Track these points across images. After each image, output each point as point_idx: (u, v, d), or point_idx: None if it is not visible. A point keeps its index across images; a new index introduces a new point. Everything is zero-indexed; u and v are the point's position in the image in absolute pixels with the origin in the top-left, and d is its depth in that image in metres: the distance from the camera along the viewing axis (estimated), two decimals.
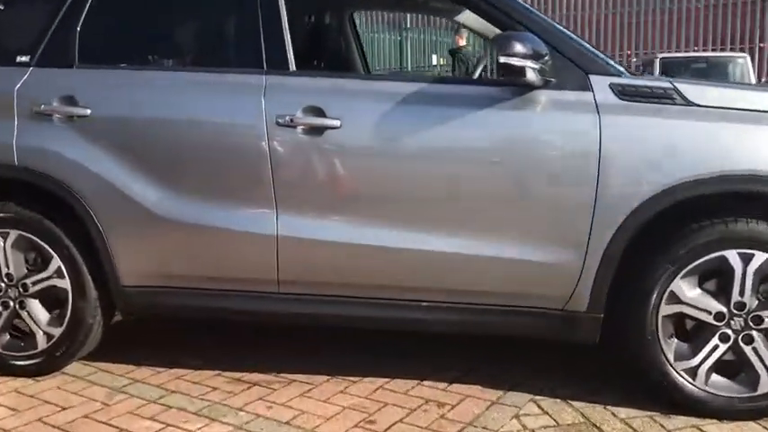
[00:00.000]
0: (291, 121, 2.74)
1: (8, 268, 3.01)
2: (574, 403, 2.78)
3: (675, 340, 2.65)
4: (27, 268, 3.04)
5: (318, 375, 3.05)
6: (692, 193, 2.51)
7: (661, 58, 11.89)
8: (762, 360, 2.57)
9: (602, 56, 2.73)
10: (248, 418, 2.69)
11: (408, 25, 17.98)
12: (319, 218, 2.79)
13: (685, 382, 2.63)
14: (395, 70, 18.04)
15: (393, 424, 2.63)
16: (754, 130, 2.53)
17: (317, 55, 3.75)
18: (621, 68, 2.73)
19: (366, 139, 2.74)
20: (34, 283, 3.01)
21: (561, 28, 2.81)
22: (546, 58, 2.55)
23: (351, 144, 2.75)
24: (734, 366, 2.62)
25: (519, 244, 2.67)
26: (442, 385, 2.96)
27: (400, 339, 3.26)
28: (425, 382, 2.98)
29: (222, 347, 3.38)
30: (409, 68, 18.19)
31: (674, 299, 2.60)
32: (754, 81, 11.60)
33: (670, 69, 11.23)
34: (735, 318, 2.58)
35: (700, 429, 2.56)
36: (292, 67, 2.84)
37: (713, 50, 14.69)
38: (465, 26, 3.73)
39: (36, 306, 3.04)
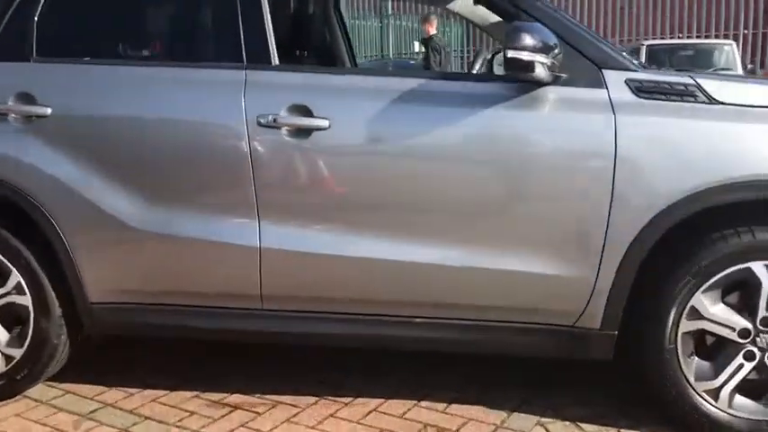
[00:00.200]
0: (275, 121, 2.48)
1: None
2: (584, 426, 2.56)
3: (696, 359, 2.44)
4: None
5: (306, 397, 2.81)
6: (717, 201, 2.29)
7: (648, 46, 11.71)
8: None
9: (616, 48, 2.49)
10: None
11: (390, 11, 17.67)
12: (306, 228, 2.53)
13: (707, 405, 2.42)
14: (376, 58, 17.75)
15: None
16: None
17: (302, 47, 3.47)
18: (636, 62, 2.49)
19: (358, 141, 2.49)
20: None
21: (569, 17, 2.56)
22: (556, 51, 2.30)
23: (341, 147, 2.49)
24: (760, 387, 2.41)
25: (526, 256, 2.43)
26: (441, 406, 2.72)
27: (392, 355, 3.02)
28: (422, 403, 2.75)
29: (199, 366, 3.11)
30: (391, 56, 17.90)
31: (695, 314, 2.38)
32: (740, 68, 11.46)
33: (657, 57, 11.06)
34: (761, 334, 2.37)
35: None
36: (275, 60, 2.58)
37: (698, 37, 14.56)
38: (459, 14, 3.47)
39: None
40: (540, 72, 2.28)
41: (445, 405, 2.73)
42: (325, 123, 2.45)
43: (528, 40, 2.23)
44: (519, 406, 2.70)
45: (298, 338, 2.70)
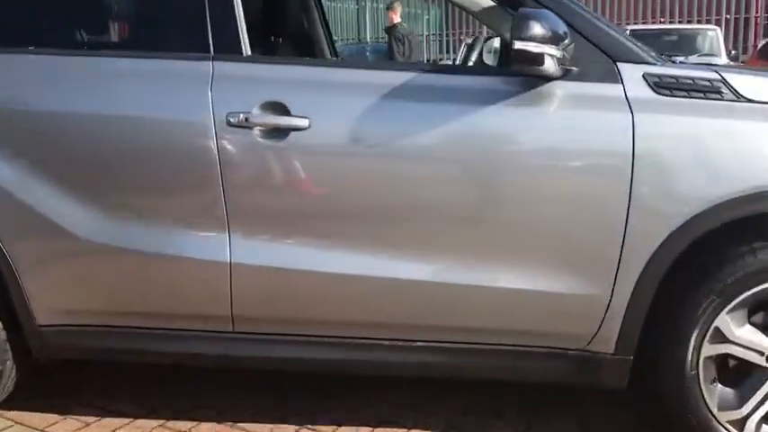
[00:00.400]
0: (246, 120, 2.17)
1: None
2: None
3: (719, 385, 2.19)
4: None
5: (284, 425, 2.52)
6: (746, 211, 2.04)
7: (631, 31, 11.47)
8: None
9: (631, 38, 2.21)
10: None
11: None
12: (282, 241, 2.24)
13: None
14: (353, 42, 17.36)
15: None
16: None
17: (277, 34, 3.15)
18: (654, 54, 2.22)
19: (341, 143, 2.19)
20: None
21: (577, 2, 2.28)
22: (567, 41, 2.03)
23: (322, 149, 2.20)
24: None
25: (530, 272, 2.17)
26: None
27: (379, 381, 2.72)
28: None
29: (164, 390, 2.78)
30: (368, 39, 17.52)
31: (719, 337, 2.13)
32: (724, 54, 11.29)
33: (640, 42, 10.81)
34: None
35: None
36: (246, 51, 2.27)
37: (680, 22, 14.37)
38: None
39: None
40: (550, 66, 2.00)
41: None
42: (304, 123, 2.16)
43: (537, 29, 1.95)
44: None
45: (274, 364, 2.41)
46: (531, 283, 2.17)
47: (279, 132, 2.17)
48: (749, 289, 2.09)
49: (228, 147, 2.19)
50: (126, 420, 2.57)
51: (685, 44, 11.22)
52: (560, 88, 2.11)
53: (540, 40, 1.95)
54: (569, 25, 2.06)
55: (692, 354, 2.14)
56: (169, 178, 2.26)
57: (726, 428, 2.18)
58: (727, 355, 2.17)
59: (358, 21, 18.53)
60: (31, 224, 2.29)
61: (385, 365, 2.32)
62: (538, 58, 1.96)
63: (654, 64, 2.14)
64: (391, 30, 10.19)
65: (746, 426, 2.17)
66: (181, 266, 2.27)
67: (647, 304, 2.13)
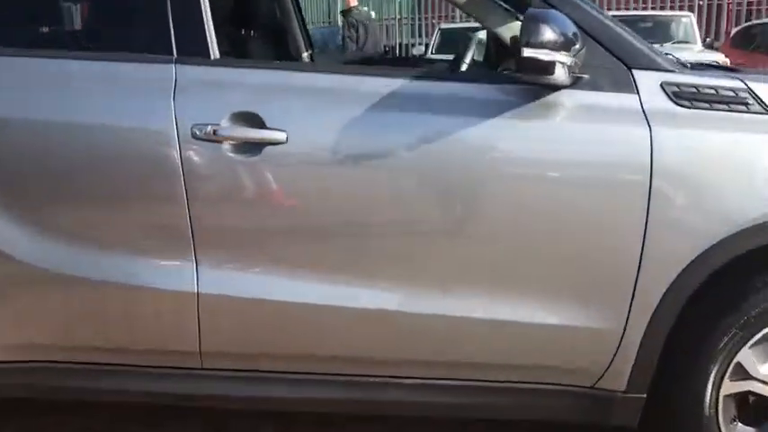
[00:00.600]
0: (215, 132, 1.91)
1: None
2: None
3: (739, 425, 2.01)
4: None
5: None
6: None
7: None
8: None
9: (646, 42, 1.99)
10: None
11: None
12: (257, 268, 2.00)
13: None
14: (324, 25, 16.97)
15: None
16: None
17: (248, 29, 2.87)
18: (670, 59, 2.00)
19: (323, 159, 1.93)
20: None
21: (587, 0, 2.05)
22: (578, 46, 1.80)
23: (301, 166, 1.95)
24: None
25: (533, 303, 1.95)
26: None
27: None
28: None
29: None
30: (339, 24, 17.12)
31: (741, 373, 1.94)
32: (699, 41, 11.18)
33: None
34: None
35: None
36: (214, 53, 2.00)
37: (653, 8, 14.25)
38: None
39: None
40: (560, 74, 1.77)
41: None
42: (281, 136, 1.90)
43: (548, 34, 1.72)
44: None
45: (246, 403, 2.17)
46: (534, 314, 1.95)
47: (252, 147, 1.91)
48: None
49: (194, 163, 1.93)
50: None
51: (660, 31, 11.04)
52: (568, 98, 1.88)
53: (551, 46, 1.72)
54: (579, 27, 1.84)
55: (711, 391, 1.95)
56: (126, 197, 1.99)
57: None
58: (749, 393, 1.98)
59: (329, 3, 18.13)
60: None
61: (375, 405, 2.09)
62: (549, 67, 1.73)
63: (671, 71, 1.92)
64: (347, 14, 9.70)
65: None
66: (140, 297, 2.01)
67: (664, 338, 1.93)
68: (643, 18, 11.69)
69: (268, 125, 1.91)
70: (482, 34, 3.33)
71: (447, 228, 1.95)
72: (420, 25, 16.81)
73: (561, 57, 1.74)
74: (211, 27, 2.00)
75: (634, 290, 1.89)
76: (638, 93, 1.88)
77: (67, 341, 2.09)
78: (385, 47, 13.55)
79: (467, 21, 11.06)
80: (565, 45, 1.75)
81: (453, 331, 1.97)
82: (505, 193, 1.92)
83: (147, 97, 1.96)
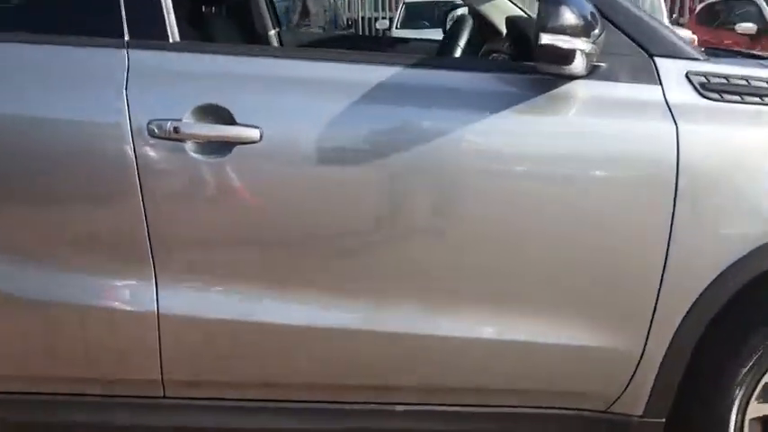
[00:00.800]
0: (175, 130, 1.63)
1: None
2: None
3: None
4: None
5: None
6: None
7: None
8: None
9: (669, 28, 1.76)
10: None
11: None
12: (224, 286, 1.73)
13: None
14: None
15: None
16: None
17: (212, 15, 2.55)
18: (695, 47, 1.78)
19: (303, 160, 1.67)
20: None
21: None
22: (597, 32, 1.56)
23: (277, 168, 1.68)
24: None
25: (542, 321, 1.73)
26: None
27: None
28: None
29: None
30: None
31: None
32: (666, 17, 11.07)
33: None
34: None
35: None
36: (173, 35, 1.72)
37: None
38: None
39: None
40: (579, 64, 1.53)
41: None
42: (253, 134, 1.63)
43: (568, 17, 1.48)
44: None
45: None
46: (542, 334, 1.73)
47: (219, 146, 1.64)
48: None
49: (152, 165, 1.65)
50: None
51: None
52: (583, 89, 1.66)
53: (570, 31, 1.48)
54: (596, 9, 1.60)
55: (737, 415, 1.77)
56: (78, 207, 1.71)
57: None
58: None
59: None
60: None
61: None
62: (569, 56, 1.49)
63: (697, 59, 1.70)
64: None
65: None
66: (95, 319, 1.74)
67: (686, 359, 1.73)
68: None
69: (238, 121, 1.64)
70: (461, 11, 3.09)
71: (447, 237, 1.71)
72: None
73: (581, 43, 1.51)
74: (169, 4, 1.71)
75: (655, 304, 1.69)
76: (660, 83, 1.66)
77: (21, 370, 1.80)
78: (347, 20, 13.16)
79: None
80: (585, 30, 1.51)
81: (455, 353, 1.75)
82: (513, 197, 1.68)
83: (93, 88, 1.67)
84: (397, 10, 12.52)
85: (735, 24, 9.38)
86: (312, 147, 1.65)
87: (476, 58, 2.20)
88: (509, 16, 2.47)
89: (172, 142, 1.64)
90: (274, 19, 3.07)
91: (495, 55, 2.52)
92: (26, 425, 1.89)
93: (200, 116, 1.64)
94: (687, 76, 1.66)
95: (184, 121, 1.63)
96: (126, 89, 1.64)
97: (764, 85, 1.67)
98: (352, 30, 12.55)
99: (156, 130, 1.63)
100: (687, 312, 1.68)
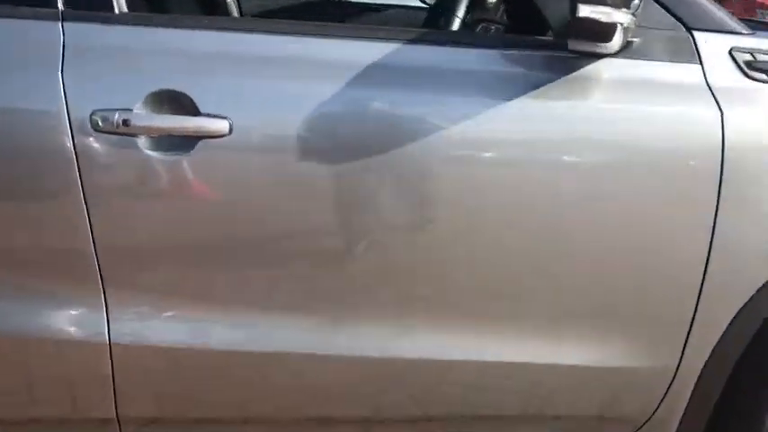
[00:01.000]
0: (125, 123, 1.33)
1: None
2: None
3: None
4: None
5: None
6: None
7: None
8: None
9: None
10: None
11: None
12: (186, 308, 1.45)
13: None
14: None
15: None
16: None
17: None
18: (737, 19, 1.54)
19: (281, 156, 1.38)
20: None
21: None
22: (637, 1, 1.31)
23: (250, 167, 1.39)
24: None
25: (562, 338, 1.50)
26: None
27: None
28: None
29: None
30: None
31: None
32: None
33: None
34: None
35: None
36: (120, 5, 1.40)
37: None
38: None
39: None
40: (617, 41, 1.29)
41: None
42: (221, 126, 1.34)
43: None
44: None
45: None
46: (561, 353, 1.50)
47: (180, 142, 1.35)
48: None
49: (96, 165, 1.35)
50: None
51: None
52: (612, 69, 1.41)
53: (611, 1, 1.23)
54: None
55: None
56: (9, 217, 1.40)
57: None
58: None
59: None
60: None
61: None
62: (609, 32, 1.24)
63: (741, 33, 1.47)
64: None
65: None
66: (38, 350, 1.45)
67: (726, 376, 1.52)
68: None
69: (202, 110, 1.34)
70: None
71: (451, 246, 1.45)
72: None
73: (621, 16, 1.25)
74: None
75: (693, 317, 1.47)
76: (700, 62, 1.43)
77: None
78: None
79: None
80: (625, 1, 1.26)
81: (475, 378, 1.51)
82: (530, 196, 1.44)
83: (19, 69, 1.35)
84: None
85: None
86: (292, 141, 1.37)
87: (489, 35, 1.92)
88: None
89: (121, 137, 1.34)
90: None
91: (484, 25, 2.25)
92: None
93: (155, 105, 1.34)
94: (731, 53, 1.43)
95: (136, 111, 1.33)
96: (62, 72, 1.33)
97: None
98: None
99: (100, 123, 1.33)
100: (727, 326, 1.47)
